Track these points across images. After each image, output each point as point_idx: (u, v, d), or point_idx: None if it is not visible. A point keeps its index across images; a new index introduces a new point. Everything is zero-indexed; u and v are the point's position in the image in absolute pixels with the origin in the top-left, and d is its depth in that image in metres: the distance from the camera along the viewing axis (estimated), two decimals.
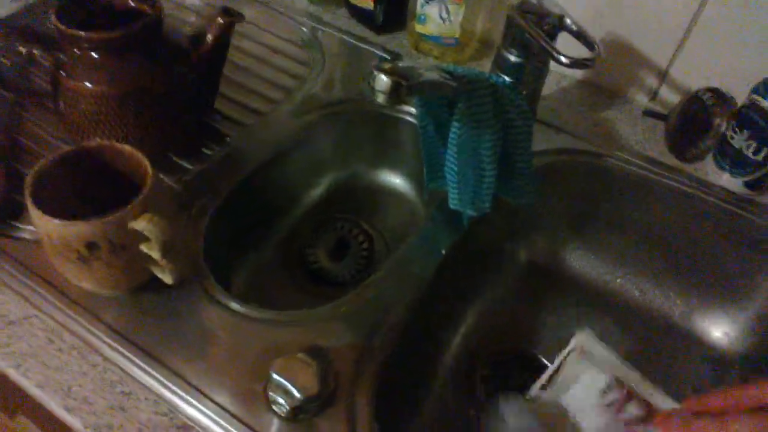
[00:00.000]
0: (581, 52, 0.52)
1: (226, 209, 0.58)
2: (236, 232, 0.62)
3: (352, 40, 0.75)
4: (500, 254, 0.69)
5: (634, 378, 0.48)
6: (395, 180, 0.72)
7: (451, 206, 0.54)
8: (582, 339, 0.51)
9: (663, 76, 0.67)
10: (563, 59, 0.49)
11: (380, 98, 0.40)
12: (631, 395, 0.46)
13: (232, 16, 0.57)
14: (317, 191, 0.71)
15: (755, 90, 0.55)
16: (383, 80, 0.39)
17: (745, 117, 0.56)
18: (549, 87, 0.71)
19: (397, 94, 0.39)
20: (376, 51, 0.74)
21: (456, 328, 0.63)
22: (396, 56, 0.73)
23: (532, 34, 0.51)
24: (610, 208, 0.65)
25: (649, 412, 0.43)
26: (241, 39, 0.74)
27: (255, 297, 0.61)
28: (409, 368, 0.55)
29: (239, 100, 0.67)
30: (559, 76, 0.72)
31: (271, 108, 0.66)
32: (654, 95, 0.69)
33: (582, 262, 0.69)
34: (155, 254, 0.42)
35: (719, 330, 0.63)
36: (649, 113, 0.68)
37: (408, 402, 0.56)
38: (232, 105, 0.66)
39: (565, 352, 0.51)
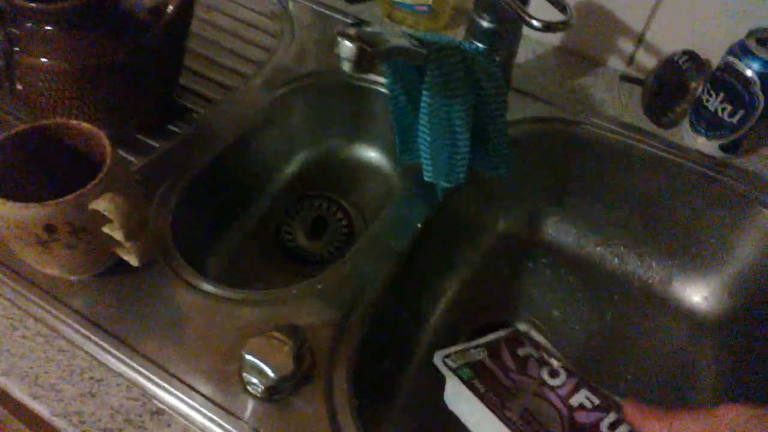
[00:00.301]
0: (555, 16, 0.50)
1: (196, 188, 0.56)
2: (209, 213, 0.60)
3: (323, 10, 0.73)
4: (477, 225, 0.68)
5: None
6: (371, 153, 0.71)
7: (426, 178, 0.53)
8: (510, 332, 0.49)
9: (639, 40, 0.66)
10: (535, 23, 0.48)
11: (346, 66, 0.39)
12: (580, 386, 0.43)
13: None
14: (292, 168, 0.69)
15: (730, 52, 0.55)
16: (347, 46, 0.37)
17: (720, 79, 0.56)
18: (524, 54, 0.70)
19: (363, 61, 0.38)
20: (348, 21, 0.72)
21: (435, 302, 0.63)
22: (362, 22, 0.70)
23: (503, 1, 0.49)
24: (587, 175, 0.64)
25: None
26: (208, 11, 0.72)
27: (231, 278, 0.60)
28: (388, 344, 0.55)
29: (207, 75, 0.64)
30: (534, 43, 0.71)
31: (240, 82, 0.64)
32: (630, 60, 0.68)
33: (560, 230, 0.68)
34: (118, 235, 0.41)
35: (698, 295, 0.64)
36: (625, 78, 0.68)
37: (387, 378, 0.56)
38: (200, 80, 0.64)
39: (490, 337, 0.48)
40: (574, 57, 0.70)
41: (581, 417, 0.38)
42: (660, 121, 0.62)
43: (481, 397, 0.38)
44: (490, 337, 0.47)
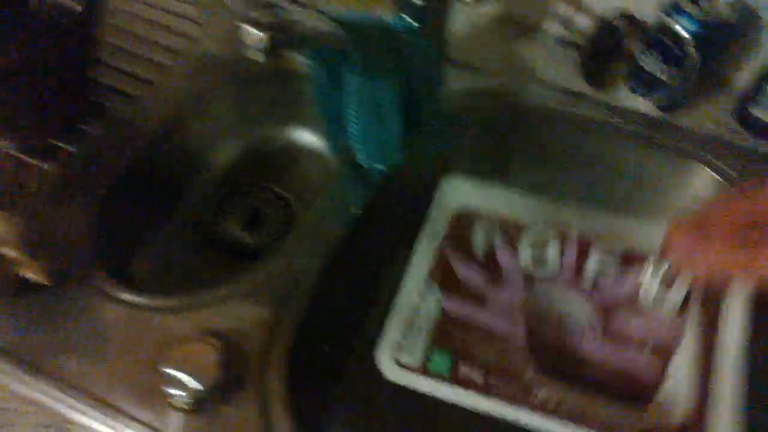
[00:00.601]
0: None
1: (118, 191, 0.53)
2: (135, 214, 0.57)
3: None
4: (420, 206, 0.66)
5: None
6: (307, 137, 0.68)
7: (359, 162, 0.50)
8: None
9: (577, 3, 0.64)
10: None
11: (255, 56, 0.36)
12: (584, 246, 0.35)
13: None
14: (222, 159, 0.66)
15: (664, 11, 0.53)
16: (255, 35, 0.34)
17: (655, 40, 0.54)
18: (461, 23, 0.67)
19: (274, 50, 0.35)
20: (282, 5, 0.68)
21: (378, 287, 0.61)
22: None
23: None
24: (529, 143, 0.63)
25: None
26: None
27: (164, 281, 0.57)
28: (328, 335, 0.53)
29: (123, 69, 0.60)
30: (470, 11, 0.68)
31: (159, 74, 0.60)
32: (568, 24, 0.66)
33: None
34: (14, 254, 0.38)
35: None
36: (563, 42, 0.66)
37: (328, 369, 0.54)
38: (116, 74, 0.60)
39: None
40: (512, 23, 0.68)
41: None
42: (597, 83, 0.60)
43: (486, 391, 0.34)
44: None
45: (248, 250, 0.62)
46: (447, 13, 0.56)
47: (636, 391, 0.32)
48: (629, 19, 0.60)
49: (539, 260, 0.37)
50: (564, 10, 0.65)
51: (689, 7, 0.51)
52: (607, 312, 0.33)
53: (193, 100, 0.60)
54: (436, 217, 0.37)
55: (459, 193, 0.38)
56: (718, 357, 0.30)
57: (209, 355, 0.39)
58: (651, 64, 0.55)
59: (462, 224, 0.40)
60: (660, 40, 0.54)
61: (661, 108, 0.57)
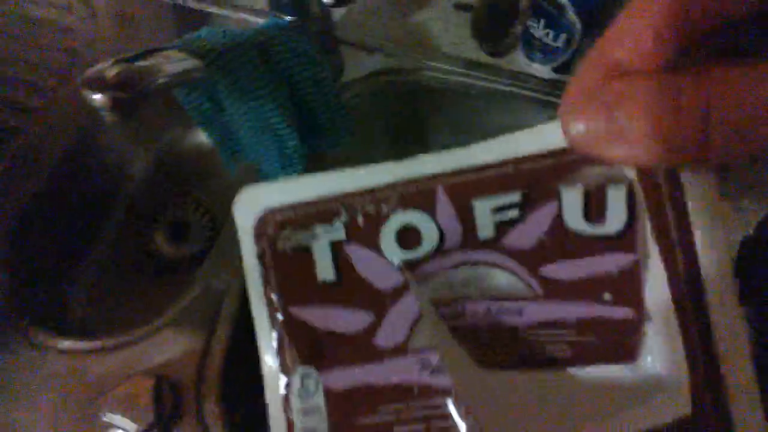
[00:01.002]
0: None
1: (27, 233, 0.53)
2: (54, 253, 0.57)
3: None
4: None
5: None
6: None
7: (263, 178, 0.51)
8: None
9: None
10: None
11: (108, 117, 0.35)
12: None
13: None
14: (138, 170, 0.65)
15: None
16: (95, 99, 0.33)
17: (539, 7, 0.55)
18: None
19: (123, 109, 0.34)
20: None
21: None
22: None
23: None
24: (434, 122, 0.64)
25: None
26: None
27: (102, 312, 0.58)
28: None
29: (6, 98, 0.58)
30: None
31: (44, 100, 0.58)
32: None
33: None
34: None
35: None
36: (459, 6, 0.65)
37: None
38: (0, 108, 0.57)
39: None
40: None
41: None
42: (491, 50, 0.61)
43: None
44: None
45: (178, 265, 0.63)
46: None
47: (615, 346, 0.21)
48: None
49: (410, 238, 0.23)
50: None
51: None
52: (533, 267, 0.21)
53: (89, 122, 0.58)
54: (247, 256, 0.24)
55: (259, 203, 0.24)
56: (703, 271, 0.20)
57: (144, 394, 0.42)
58: (539, 30, 0.56)
59: (281, 247, 0.23)
60: (543, 7, 0.54)
61: (556, 70, 0.59)
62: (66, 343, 0.46)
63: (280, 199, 0.24)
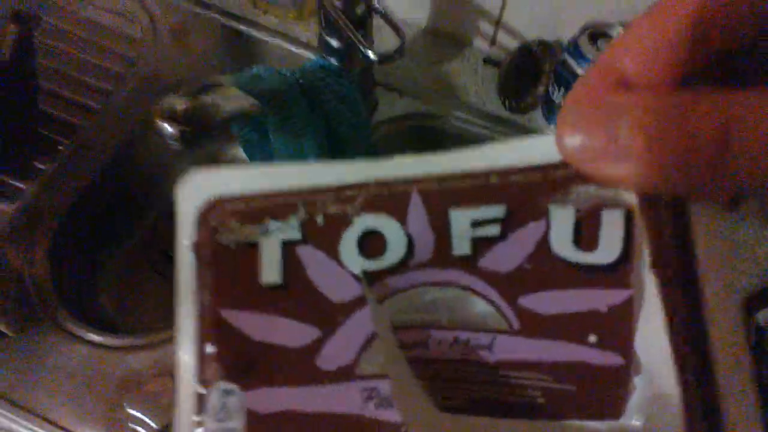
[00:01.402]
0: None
1: (72, 226, 0.58)
2: (92, 247, 0.62)
3: (184, 4, 0.70)
4: None
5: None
6: None
7: None
8: None
9: (497, 21, 0.68)
10: (371, 55, 0.49)
11: (173, 145, 0.40)
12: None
13: (25, 21, 0.53)
14: (173, 179, 0.69)
15: (566, 49, 0.58)
16: (166, 130, 0.38)
17: (559, 75, 0.59)
18: (387, 41, 0.70)
19: (188, 141, 0.39)
20: (214, 15, 0.69)
21: None
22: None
23: (341, 25, 0.50)
24: None
25: None
26: (56, 17, 0.67)
27: (128, 311, 0.62)
28: None
29: (67, 97, 0.63)
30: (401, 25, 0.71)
31: (102, 102, 0.62)
32: (493, 41, 0.70)
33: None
34: None
35: None
36: (488, 61, 0.70)
37: None
38: (61, 105, 0.62)
39: None
40: (440, 37, 0.71)
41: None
42: (513, 107, 0.65)
43: None
44: None
45: None
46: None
47: (597, 399, 0.18)
48: (546, 46, 0.64)
49: (373, 244, 0.20)
50: (488, 27, 0.68)
51: (586, 48, 0.56)
52: (511, 296, 0.19)
53: (138, 126, 0.63)
54: (181, 246, 0.21)
55: (208, 189, 0.21)
56: (708, 318, 0.17)
57: (167, 394, 0.46)
58: (558, 96, 0.61)
59: (223, 240, 0.21)
60: (564, 76, 0.59)
61: None
62: (96, 337, 0.51)
63: (233, 188, 0.20)
